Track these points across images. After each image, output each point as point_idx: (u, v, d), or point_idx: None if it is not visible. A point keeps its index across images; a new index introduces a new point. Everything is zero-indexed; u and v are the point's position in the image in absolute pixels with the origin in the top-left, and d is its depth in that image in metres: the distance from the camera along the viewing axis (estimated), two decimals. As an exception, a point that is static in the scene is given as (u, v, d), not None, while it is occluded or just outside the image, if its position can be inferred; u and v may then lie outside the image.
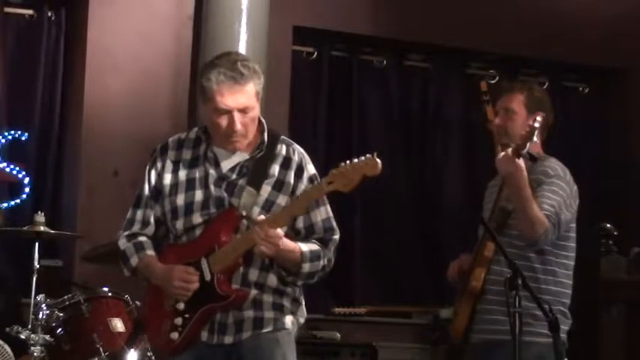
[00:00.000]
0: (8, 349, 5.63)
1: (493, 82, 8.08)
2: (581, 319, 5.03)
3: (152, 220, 3.98)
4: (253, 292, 3.85)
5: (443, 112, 8.30)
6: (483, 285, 4.68)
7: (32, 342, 5.16)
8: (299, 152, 3.98)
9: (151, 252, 3.95)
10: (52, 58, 7.32)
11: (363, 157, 3.73)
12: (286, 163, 3.93)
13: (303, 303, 4.01)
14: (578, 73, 8.66)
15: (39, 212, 5.62)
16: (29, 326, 5.24)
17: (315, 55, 7.96)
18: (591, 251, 7.05)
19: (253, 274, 3.86)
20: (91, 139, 7.11)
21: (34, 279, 5.41)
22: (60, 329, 5.29)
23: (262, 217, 3.78)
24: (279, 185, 3.89)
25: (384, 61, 8.20)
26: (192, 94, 7.07)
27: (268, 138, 3.94)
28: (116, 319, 5.39)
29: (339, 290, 7.74)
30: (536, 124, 4.45)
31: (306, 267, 3.86)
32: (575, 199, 4.71)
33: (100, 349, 5.22)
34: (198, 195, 3.90)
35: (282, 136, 4.00)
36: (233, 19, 6.69)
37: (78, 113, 7.17)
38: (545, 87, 7.97)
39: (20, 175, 6.99)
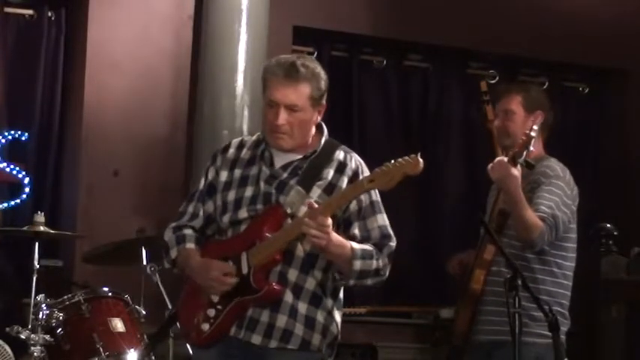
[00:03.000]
0: (8, 349, 5.64)
1: (493, 82, 8.07)
2: (581, 319, 5.04)
3: (202, 213, 4.00)
4: (289, 296, 3.81)
5: (443, 112, 8.29)
6: (483, 287, 4.69)
7: (32, 342, 5.15)
8: (356, 160, 3.96)
9: (190, 245, 3.95)
10: (52, 58, 7.31)
11: (406, 157, 3.70)
12: (341, 167, 3.91)
13: (338, 318, 3.94)
14: (578, 73, 8.65)
15: (39, 212, 5.62)
16: (29, 326, 5.23)
17: (315, 55, 7.94)
18: (591, 251, 7.05)
19: (292, 275, 3.82)
20: (91, 139, 7.11)
21: (34, 279, 5.41)
22: (60, 329, 5.27)
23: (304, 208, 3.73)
24: (330, 188, 3.86)
25: (384, 61, 8.19)
26: (192, 93, 7.07)
27: (327, 144, 3.94)
28: (116, 319, 5.38)
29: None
30: (533, 133, 4.48)
31: (358, 264, 3.79)
32: (574, 200, 4.72)
33: (100, 349, 5.21)
34: (248, 191, 3.90)
35: (343, 146, 3.99)
36: (233, 19, 6.69)
37: (78, 113, 7.16)
38: (545, 87, 7.99)
39: (20, 175, 6.98)
